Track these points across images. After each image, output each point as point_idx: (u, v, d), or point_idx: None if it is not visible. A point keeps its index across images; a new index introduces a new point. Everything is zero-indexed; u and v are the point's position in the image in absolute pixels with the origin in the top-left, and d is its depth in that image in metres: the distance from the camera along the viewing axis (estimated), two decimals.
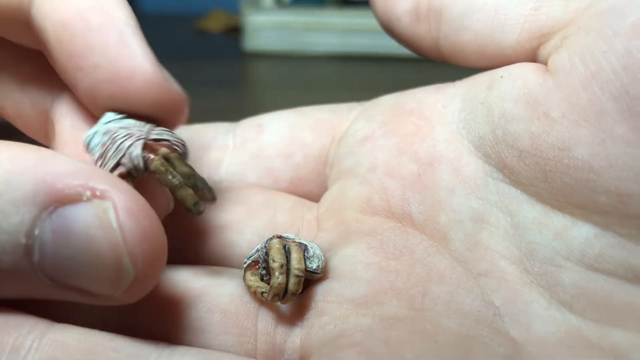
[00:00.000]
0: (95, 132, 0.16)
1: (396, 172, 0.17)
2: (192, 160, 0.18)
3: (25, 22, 0.16)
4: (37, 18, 0.15)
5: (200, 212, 0.15)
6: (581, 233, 0.15)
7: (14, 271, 0.13)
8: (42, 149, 0.13)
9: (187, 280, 0.16)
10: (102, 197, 0.13)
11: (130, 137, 0.15)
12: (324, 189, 0.20)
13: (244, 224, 0.18)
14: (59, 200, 0.13)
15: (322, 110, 0.21)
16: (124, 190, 0.13)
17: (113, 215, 0.13)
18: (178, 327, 0.15)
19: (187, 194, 0.15)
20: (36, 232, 0.13)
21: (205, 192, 0.15)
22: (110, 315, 0.15)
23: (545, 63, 0.16)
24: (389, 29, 0.19)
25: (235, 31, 0.68)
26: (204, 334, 0.15)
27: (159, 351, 0.14)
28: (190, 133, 0.20)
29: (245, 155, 0.20)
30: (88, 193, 0.13)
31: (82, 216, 0.13)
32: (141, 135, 0.15)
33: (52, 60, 0.16)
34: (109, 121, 0.16)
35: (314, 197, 0.20)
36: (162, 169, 0.15)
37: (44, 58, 0.17)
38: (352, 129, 0.19)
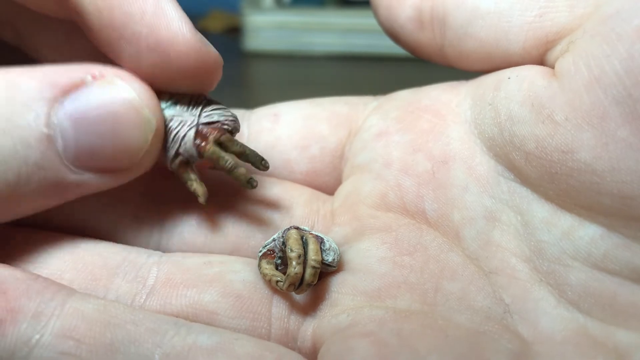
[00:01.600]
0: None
1: (411, 169, 0.18)
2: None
3: None
4: None
5: (254, 187, 0.16)
6: (587, 233, 0.15)
7: (42, 166, 0.14)
8: (18, 67, 0.14)
9: (200, 267, 0.16)
10: (102, 76, 0.15)
11: (183, 125, 0.16)
12: (338, 182, 0.20)
13: (261, 215, 0.18)
14: (65, 89, 0.14)
15: (339, 103, 0.21)
16: (117, 68, 0.15)
17: (121, 82, 0.15)
18: (191, 310, 0.15)
19: (240, 173, 0.16)
20: (55, 121, 0.14)
21: (258, 165, 0.17)
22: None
23: (552, 67, 0.16)
24: (393, 35, 0.19)
25: (235, 31, 0.68)
26: (218, 316, 0.16)
27: (177, 328, 0.14)
28: None
29: (261, 144, 0.20)
30: (89, 77, 0.14)
31: (93, 93, 0.14)
32: (193, 121, 0.16)
33: (89, 32, 0.16)
34: (162, 110, 0.16)
35: (329, 189, 0.20)
36: (215, 156, 0.16)
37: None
38: (367, 124, 0.20)
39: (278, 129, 0.20)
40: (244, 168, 0.16)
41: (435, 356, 0.14)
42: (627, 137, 0.14)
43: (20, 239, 0.16)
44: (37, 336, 0.13)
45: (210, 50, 0.16)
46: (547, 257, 0.15)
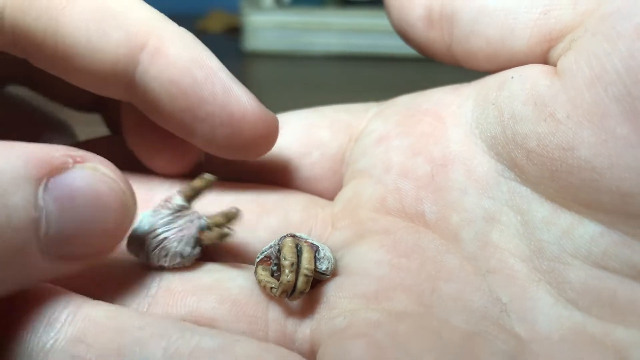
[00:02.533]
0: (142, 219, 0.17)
1: (410, 173, 0.18)
2: (212, 158, 0.20)
3: (126, 84, 0.17)
4: (143, 80, 0.17)
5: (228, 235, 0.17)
6: (587, 231, 0.15)
7: (19, 251, 0.13)
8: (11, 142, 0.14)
9: (198, 277, 0.17)
10: (83, 160, 0.14)
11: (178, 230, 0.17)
12: (339, 186, 0.20)
13: (258, 221, 0.19)
14: (50, 172, 0.14)
15: (340, 110, 0.21)
16: (93, 154, 0.15)
17: (105, 169, 0.15)
18: (191, 317, 0.16)
19: (221, 234, 0.17)
20: (41, 202, 0.13)
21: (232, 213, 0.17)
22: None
23: (555, 65, 0.16)
24: (404, 35, 0.20)
25: (235, 31, 0.68)
26: (217, 322, 0.16)
27: (182, 332, 0.14)
28: None
29: None
30: (70, 160, 0.14)
31: (78, 177, 0.14)
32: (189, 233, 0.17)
33: (155, 115, 0.18)
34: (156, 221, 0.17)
35: (330, 194, 0.20)
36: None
37: None
38: (368, 129, 0.20)
39: (280, 138, 0.20)
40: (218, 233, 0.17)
41: (428, 357, 0.14)
42: (626, 135, 0.14)
43: None
44: (52, 341, 0.14)
45: (272, 116, 0.18)
46: (547, 256, 0.15)
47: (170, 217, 0.17)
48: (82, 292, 0.15)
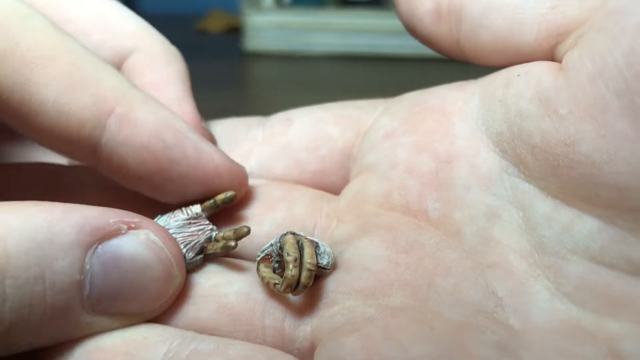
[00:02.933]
0: None
1: (415, 170, 0.18)
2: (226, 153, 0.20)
3: (93, 148, 0.17)
4: (110, 147, 0.17)
5: (232, 248, 0.17)
6: (586, 226, 0.15)
7: (65, 310, 0.14)
8: (61, 203, 0.15)
9: (197, 281, 0.17)
10: (138, 227, 0.15)
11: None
12: (346, 181, 0.20)
13: (263, 216, 0.19)
14: (101, 237, 0.15)
15: (348, 107, 0.21)
16: (150, 220, 0.16)
17: (156, 237, 0.15)
18: (192, 328, 0.16)
19: (225, 245, 0.17)
20: (87, 267, 0.14)
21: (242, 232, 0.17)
22: None
23: (561, 61, 0.16)
24: (412, 30, 0.20)
25: (235, 31, 0.68)
26: (217, 331, 0.16)
27: (183, 338, 0.15)
28: (223, 126, 0.22)
29: (273, 147, 0.21)
30: (125, 226, 0.15)
31: (127, 244, 0.15)
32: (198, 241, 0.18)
33: (122, 178, 0.18)
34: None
35: (337, 188, 0.20)
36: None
37: None
38: (375, 126, 0.20)
39: (290, 133, 0.21)
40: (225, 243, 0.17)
41: (418, 347, 0.14)
42: (624, 129, 0.14)
43: None
44: (73, 349, 0.15)
45: (242, 168, 0.19)
46: (547, 251, 0.16)
47: (185, 222, 0.18)
48: None
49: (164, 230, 0.16)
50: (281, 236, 0.17)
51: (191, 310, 0.16)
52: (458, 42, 0.19)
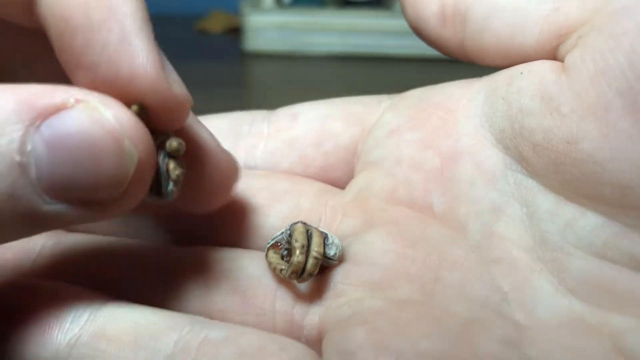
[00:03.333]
0: None
1: (420, 166, 0.18)
2: (230, 147, 0.19)
3: (27, 4, 0.15)
4: (41, 6, 0.15)
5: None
6: (589, 222, 0.15)
7: (13, 195, 0.13)
8: (8, 84, 0.13)
9: (210, 264, 0.17)
10: (85, 101, 0.13)
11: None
12: (351, 176, 0.21)
13: (269, 207, 0.19)
14: (43, 113, 0.13)
15: (354, 103, 0.22)
16: (102, 94, 0.14)
17: (104, 109, 0.13)
18: (202, 310, 0.16)
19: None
20: (29, 147, 0.13)
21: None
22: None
23: (563, 61, 0.16)
24: (418, 31, 0.20)
25: (235, 31, 0.68)
26: (226, 314, 0.16)
27: (192, 325, 0.15)
28: (228, 120, 0.22)
29: (279, 142, 0.21)
30: (72, 100, 0.13)
31: (73, 119, 0.13)
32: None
33: (54, 48, 0.15)
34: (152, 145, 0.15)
35: (342, 183, 0.21)
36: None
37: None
38: (380, 122, 0.20)
39: (295, 127, 0.21)
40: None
41: (426, 342, 0.14)
42: (627, 129, 0.14)
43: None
44: (76, 337, 0.15)
45: (174, 92, 0.15)
46: (550, 246, 0.16)
47: None
48: (99, 286, 0.16)
49: (117, 103, 0.14)
50: (291, 225, 0.17)
51: (202, 292, 0.17)
52: (462, 43, 0.19)
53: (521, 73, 0.17)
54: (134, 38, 0.14)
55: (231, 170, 0.17)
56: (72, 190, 0.13)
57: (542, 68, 0.16)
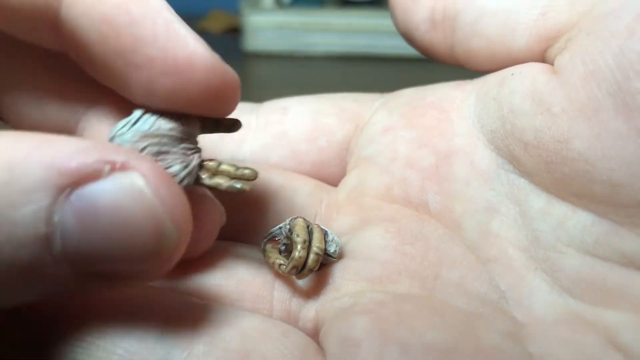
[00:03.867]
0: (125, 130, 0.15)
1: (416, 164, 0.18)
2: (214, 138, 0.19)
3: (52, 23, 0.15)
4: (70, 17, 0.14)
5: (245, 190, 0.15)
6: (580, 221, 0.15)
7: (33, 266, 0.12)
8: (41, 133, 0.12)
9: (205, 253, 0.17)
10: (124, 168, 0.12)
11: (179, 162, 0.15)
12: (344, 173, 0.20)
13: (264, 204, 0.19)
14: (75, 181, 0.12)
15: (346, 99, 0.22)
16: (143, 158, 0.13)
17: (142, 183, 0.12)
18: (194, 294, 0.16)
19: (231, 185, 0.15)
20: (55, 218, 0.11)
21: (248, 174, 0.15)
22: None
23: (552, 64, 0.16)
24: (408, 37, 0.20)
25: (235, 31, 0.68)
26: (220, 299, 0.16)
27: (188, 306, 0.15)
28: None
29: (269, 136, 0.21)
30: (107, 167, 0.12)
31: (107, 191, 0.12)
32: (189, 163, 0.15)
33: (87, 63, 0.15)
34: (144, 128, 0.15)
35: (335, 180, 0.21)
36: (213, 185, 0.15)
37: (67, 68, 0.16)
38: (374, 120, 0.20)
39: (286, 122, 0.21)
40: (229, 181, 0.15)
41: (432, 333, 0.14)
42: (618, 127, 0.14)
43: None
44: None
45: (229, 69, 0.15)
46: (542, 245, 0.16)
47: (179, 133, 0.15)
48: None
49: (161, 174, 0.12)
50: (291, 219, 0.17)
51: (196, 276, 0.16)
52: (452, 49, 0.19)
53: (512, 74, 0.17)
54: (178, 26, 0.14)
55: (220, 217, 0.17)
56: (98, 264, 0.12)
57: (533, 70, 0.17)
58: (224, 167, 0.15)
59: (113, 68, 0.14)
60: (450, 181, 0.18)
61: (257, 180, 0.18)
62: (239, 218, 0.19)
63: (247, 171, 0.15)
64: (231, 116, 0.17)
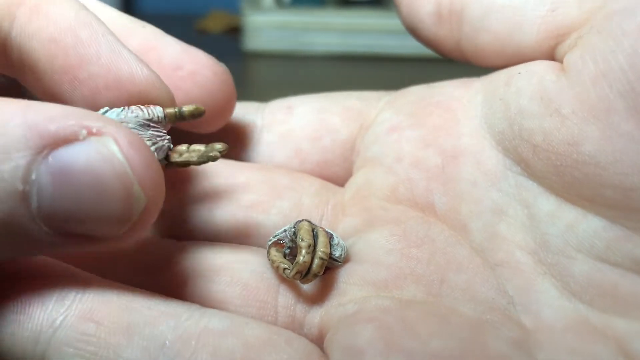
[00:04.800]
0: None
1: (421, 164, 0.18)
2: (222, 137, 0.19)
3: (2, 42, 0.16)
4: (20, 39, 0.15)
5: (216, 157, 0.16)
6: (590, 225, 0.15)
7: (10, 221, 0.13)
8: (24, 101, 0.13)
9: (208, 257, 0.17)
10: (99, 133, 0.13)
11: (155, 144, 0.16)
12: (349, 173, 0.20)
13: (270, 204, 0.19)
14: (53, 142, 0.13)
15: (351, 98, 0.21)
16: (119, 126, 0.13)
17: (116, 148, 0.13)
18: (198, 299, 0.16)
19: (202, 155, 0.16)
20: (33, 176, 0.12)
21: (218, 147, 0.16)
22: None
23: (561, 61, 0.16)
24: (413, 31, 0.20)
25: (235, 31, 0.68)
26: (226, 305, 0.16)
27: (191, 312, 0.15)
28: None
29: (274, 135, 0.21)
30: (84, 132, 0.13)
31: (82, 154, 0.13)
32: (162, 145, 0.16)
33: (34, 81, 0.16)
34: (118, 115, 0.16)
35: (339, 180, 0.20)
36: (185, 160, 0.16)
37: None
38: (379, 119, 0.20)
39: (291, 121, 0.21)
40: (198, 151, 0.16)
41: (437, 341, 0.14)
42: (630, 131, 0.14)
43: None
44: (61, 318, 0.14)
45: (166, 87, 0.16)
46: (551, 249, 0.16)
47: (145, 122, 0.16)
48: (91, 269, 0.15)
49: (135, 140, 0.13)
50: (296, 222, 0.17)
51: (200, 282, 0.16)
52: (459, 43, 0.19)
53: (519, 73, 0.17)
54: (120, 48, 0.16)
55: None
56: (71, 224, 0.13)
57: (541, 68, 0.16)
58: (193, 146, 0.16)
59: (60, 83, 0.16)
60: (456, 181, 0.17)
61: (263, 181, 0.19)
62: (244, 220, 0.18)
63: (218, 145, 0.16)
64: (235, 115, 0.17)
